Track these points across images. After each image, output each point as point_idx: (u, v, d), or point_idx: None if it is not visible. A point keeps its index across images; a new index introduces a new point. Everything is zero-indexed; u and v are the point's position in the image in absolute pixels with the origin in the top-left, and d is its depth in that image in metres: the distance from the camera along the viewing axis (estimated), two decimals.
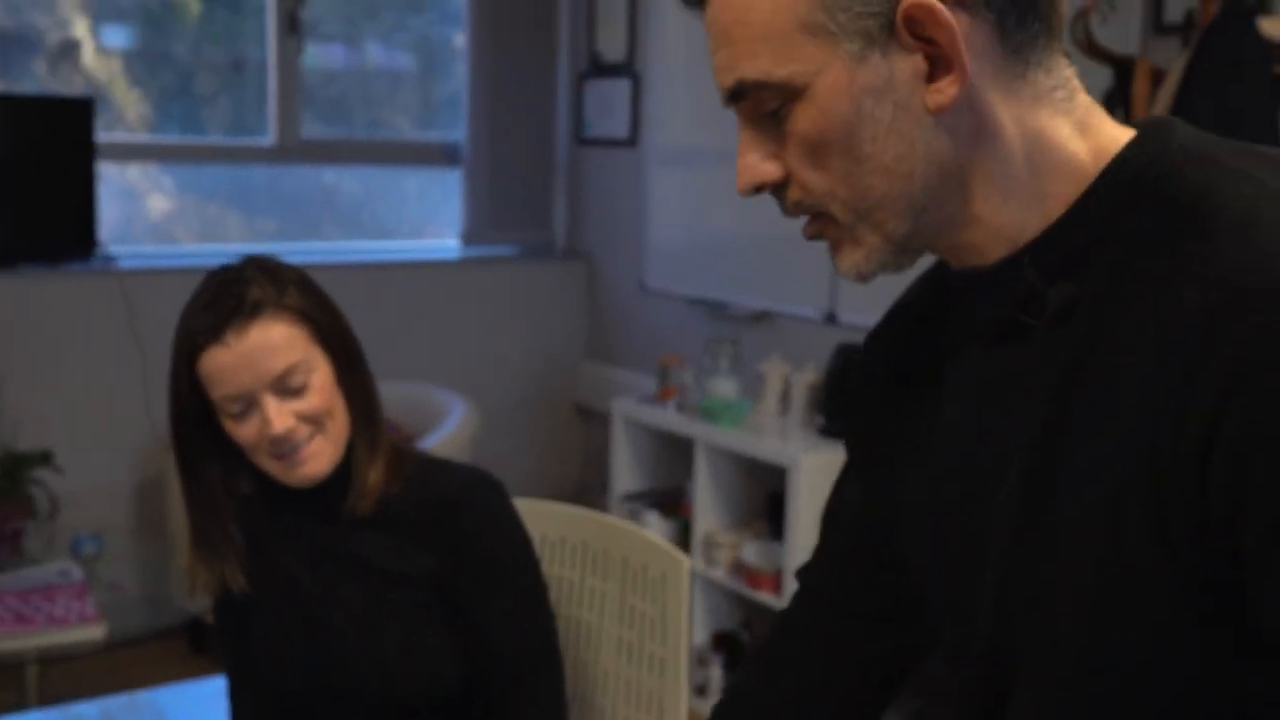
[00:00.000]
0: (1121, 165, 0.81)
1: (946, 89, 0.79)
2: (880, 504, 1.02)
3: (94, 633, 2.87)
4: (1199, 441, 0.71)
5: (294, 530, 1.57)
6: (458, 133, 4.42)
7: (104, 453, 3.71)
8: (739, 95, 0.84)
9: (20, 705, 2.82)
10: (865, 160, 0.81)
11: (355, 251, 4.33)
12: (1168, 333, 0.73)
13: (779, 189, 0.86)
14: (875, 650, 1.08)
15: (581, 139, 4.51)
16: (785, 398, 3.41)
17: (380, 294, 4.08)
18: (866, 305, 3.41)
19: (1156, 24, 2.77)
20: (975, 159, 0.82)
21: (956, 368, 0.91)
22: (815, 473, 3.09)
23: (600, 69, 4.38)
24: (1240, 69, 2.22)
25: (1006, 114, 0.81)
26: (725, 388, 3.44)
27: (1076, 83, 0.84)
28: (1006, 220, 0.83)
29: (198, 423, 1.50)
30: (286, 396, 1.45)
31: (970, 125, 0.81)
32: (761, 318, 3.79)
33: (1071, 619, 0.80)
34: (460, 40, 4.39)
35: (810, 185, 0.84)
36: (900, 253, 0.85)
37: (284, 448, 1.46)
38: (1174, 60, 2.41)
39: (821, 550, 1.12)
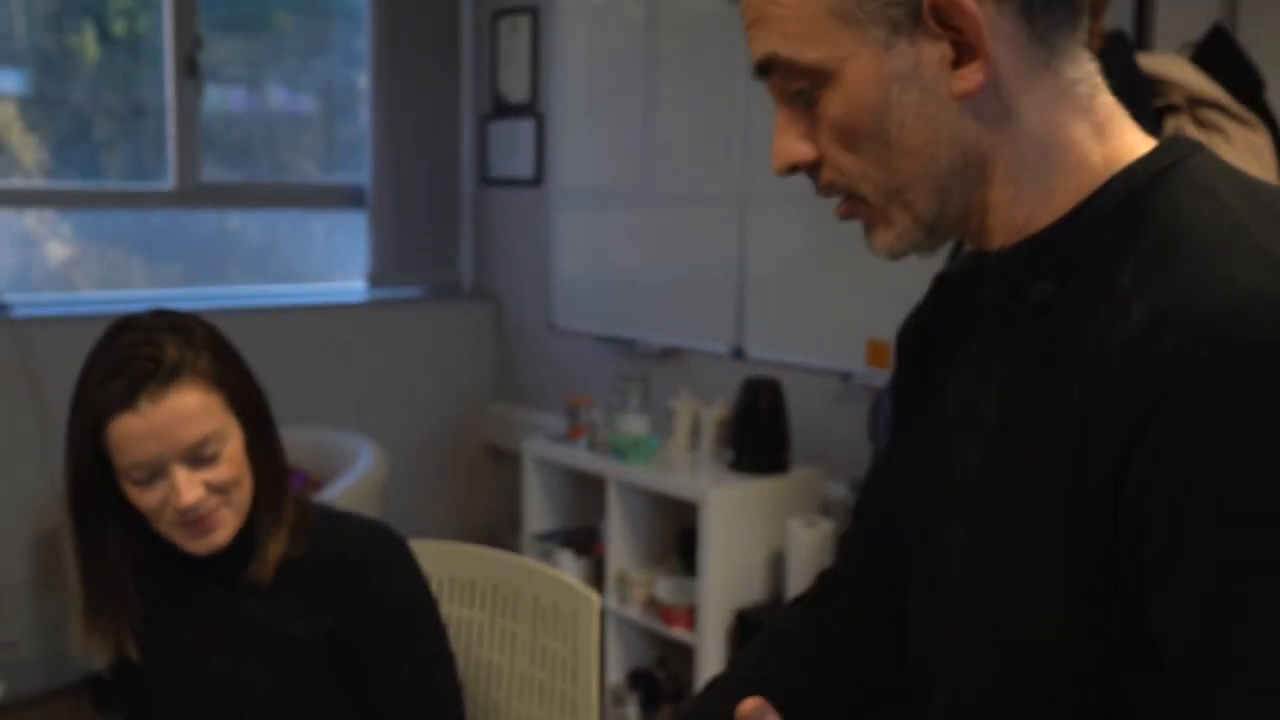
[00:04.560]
0: (1128, 177, 0.83)
1: (972, 75, 0.81)
2: (898, 476, 1.04)
3: None
4: (1120, 452, 0.73)
5: (190, 595, 1.53)
6: (362, 175, 4.40)
7: None
8: (768, 69, 0.85)
9: None
10: (893, 143, 0.83)
11: (260, 296, 4.27)
12: (1113, 344, 0.75)
13: (812, 169, 0.87)
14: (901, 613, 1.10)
15: (486, 179, 4.51)
16: (695, 433, 3.42)
17: (286, 338, 4.03)
18: (773, 340, 3.45)
19: None
20: (998, 145, 0.83)
21: (962, 346, 0.94)
22: (726, 507, 3.10)
23: (504, 109, 4.39)
24: (1121, 103, 2.29)
25: (1030, 103, 0.83)
26: (635, 425, 3.45)
27: (1100, 79, 0.86)
28: (1017, 210, 0.85)
29: (98, 487, 1.44)
30: (197, 466, 1.40)
31: (995, 111, 0.82)
32: (669, 354, 3.81)
33: (990, 609, 0.83)
34: (363, 82, 4.38)
35: (843, 167, 0.85)
36: (930, 234, 0.87)
37: (190, 516, 1.42)
38: None
39: (854, 518, 1.16)
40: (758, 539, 3.17)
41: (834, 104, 0.83)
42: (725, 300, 3.57)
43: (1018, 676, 0.82)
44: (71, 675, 3.69)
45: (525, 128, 4.30)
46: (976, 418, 0.88)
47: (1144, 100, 2.30)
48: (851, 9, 0.81)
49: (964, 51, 0.81)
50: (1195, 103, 2.31)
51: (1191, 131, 2.29)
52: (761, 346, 3.48)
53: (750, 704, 0.85)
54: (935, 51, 0.81)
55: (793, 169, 0.87)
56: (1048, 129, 0.83)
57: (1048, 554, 0.79)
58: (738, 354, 3.55)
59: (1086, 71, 0.85)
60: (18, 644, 3.52)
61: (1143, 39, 2.65)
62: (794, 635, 1.15)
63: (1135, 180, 0.82)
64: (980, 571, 0.85)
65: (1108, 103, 0.86)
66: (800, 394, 3.33)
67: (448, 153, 4.49)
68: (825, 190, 0.88)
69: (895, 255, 0.88)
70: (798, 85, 0.84)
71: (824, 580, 1.19)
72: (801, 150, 0.87)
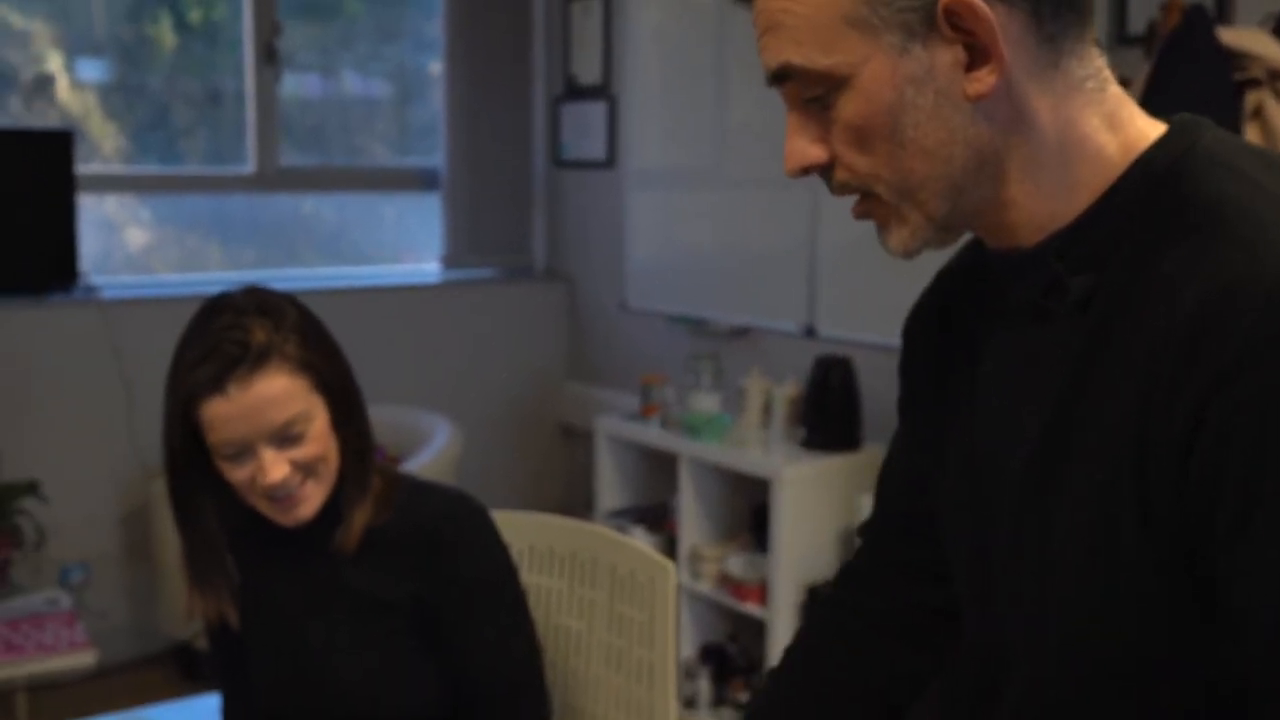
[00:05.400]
0: (1147, 164, 0.85)
1: (985, 78, 0.82)
2: (926, 463, 1.06)
3: (84, 659, 2.88)
4: (1185, 429, 0.76)
5: (283, 563, 1.59)
6: (436, 158, 4.46)
7: (90, 481, 3.72)
8: (783, 77, 0.87)
9: None
10: (908, 144, 0.84)
11: (336, 277, 4.36)
12: (1171, 326, 0.77)
13: (825, 170, 0.89)
14: (932, 597, 1.13)
15: (559, 161, 4.55)
16: (767, 411, 3.44)
17: (362, 319, 4.10)
18: (845, 318, 3.46)
19: (1120, 35, 2.83)
20: (1012, 145, 0.85)
21: (990, 342, 0.95)
22: (798, 484, 3.12)
23: (576, 92, 4.43)
24: (1201, 78, 2.27)
25: (1042, 102, 0.84)
26: (707, 403, 3.48)
27: (1108, 73, 0.88)
28: (1039, 206, 0.87)
29: (192, 463, 1.49)
30: (284, 445, 1.45)
31: (1007, 112, 0.84)
32: (741, 333, 3.83)
33: (1063, 586, 0.85)
34: (436, 67, 4.44)
35: (856, 168, 0.87)
36: (942, 230, 0.89)
37: (276, 495, 1.47)
38: (1137, 70, 2.46)
39: (877, 507, 1.18)
40: (829, 515, 3.19)
41: (849, 107, 0.85)
42: (796, 279, 3.58)
43: (1093, 659, 0.84)
44: (160, 644, 3.80)
45: (597, 110, 4.34)
46: (1019, 415, 0.90)
47: (1225, 74, 2.28)
48: (866, 15, 0.82)
49: (977, 55, 0.82)
50: (1277, 76, 2.28)
51: (1272, 105, 2.27)
52: (833, 325, 3.49)
53: None
54: (949, 55, 0.82)
55: (805, 171, 0.89)
56: (1061, 126, 0.85)
57: (1114, 533, 0.81)
58: (809, 332, 3.56)
59: (1095, 68, 0.86)
60: (109, 615, 3.63)
61: (1224, 12, 2.62)
62: (842, 644, 1.17)
63: (1155, 167, 0.84)
64: (1046, 559, 0.86)
65: (1116, 93, 0.88)
66: (872, 372, 3.33)
67: (520, 135, 4.54)
68: (839, 190, 0.90)
69: (909, 253, 0.90)
70: (813, 92, 0.86)
71: (849, 575, 1.20)
72: (814, 153, 0.88)
